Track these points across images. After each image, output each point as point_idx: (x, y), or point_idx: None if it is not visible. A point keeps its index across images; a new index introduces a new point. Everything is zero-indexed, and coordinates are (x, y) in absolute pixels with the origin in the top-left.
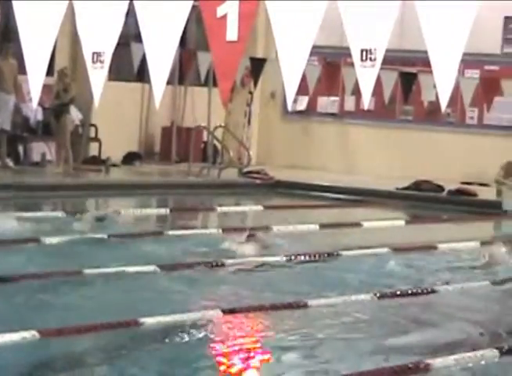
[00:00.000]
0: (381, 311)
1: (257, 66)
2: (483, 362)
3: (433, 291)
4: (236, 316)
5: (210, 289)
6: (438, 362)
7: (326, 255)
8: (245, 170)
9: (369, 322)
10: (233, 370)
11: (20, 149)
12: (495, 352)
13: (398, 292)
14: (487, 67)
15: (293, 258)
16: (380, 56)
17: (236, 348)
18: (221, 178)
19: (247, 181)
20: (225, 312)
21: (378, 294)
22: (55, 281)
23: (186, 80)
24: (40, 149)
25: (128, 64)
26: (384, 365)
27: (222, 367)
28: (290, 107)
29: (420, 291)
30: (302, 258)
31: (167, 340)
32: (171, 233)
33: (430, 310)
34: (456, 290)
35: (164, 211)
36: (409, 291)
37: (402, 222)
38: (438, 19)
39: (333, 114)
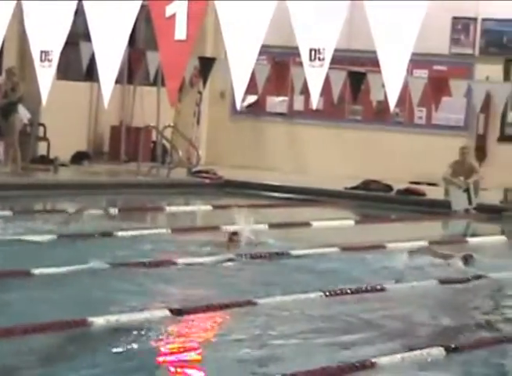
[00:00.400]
0: (330, 309)
1: (206, 65)
2: (429, 360)
3: (381, 290)
4: (185, 315)
5: (159, 289)
6: (384, 360)
7: (275, 254)
8: (194, 170)
9: (318, 320)
10: (181, 369)
11: None
12: (442, 350)
13: (347, 291)
14: (435, 67)
15: (242, 257)
16: (328, 56)
17: (185, 347)
18: (170, 177)
19: (196, 181)
20: (173, 311)
21: (327, 293)
22: (3, 281)
23: (135, 79)
24: None
25: (76, 63)
26: (331, 363)
27: (170, 366)
28: (238, 107)
29: (368, 289)
30: (251, 257)
31: (115, 339)
32: (120, 233)
33: (378, 308)
34: (405, 288)
35: (112, 210)
36: (358, 290)
37: (351, 222)
38: (387, 19)
39: (282, 114)
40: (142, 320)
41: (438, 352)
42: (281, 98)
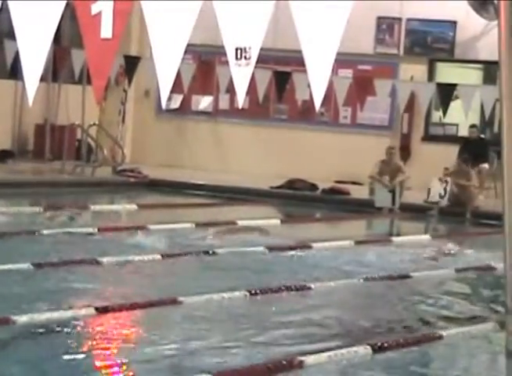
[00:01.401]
0: (254, 308)
1: (131, 64)
2: (356, 359)
3: (308, 288)
4: (110, 313)
5: (84, 287)
6: (311, 358)
7: (201, 253)
8: (119, 168)
9: (243, 319)
10: (105, 367)
11: None
12: (368, 348)
13: (273, 288)
14: (360, 67)
15: (168, 256)
16: (254, 55)
17: (109, 344)
18: (95, 176)
19: (121, 179)
20: (98, 310)
21: (252, 292)
22: None
23: (60, 77)
24: None
25: (0, 61)
26: (258, 362)
27: (95, 364)
28: (164, 105)
29: (293, 287)
30: (177, 256)
31: (39, 338)
32: (44, 231)
33: (303, 307)
34: (329, 287)
35: (37, 209)
36: (284, 288)
37: (277, 221)
38: (312, 18)
39: (207, 113)
40: (67, 318)
41: (364, 350)
42: (206, 97)
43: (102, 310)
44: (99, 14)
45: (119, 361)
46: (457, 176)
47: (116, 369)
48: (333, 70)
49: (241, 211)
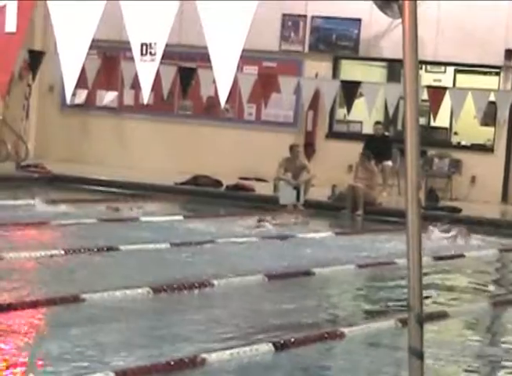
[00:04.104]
0: (158, 305)
1: (35, 58)
2: (258, 356)
3: (211, 284)
4: (12, 311)
5: None
6: (213, 356)
7: (105, 249)
8: (23, 164)
9: (146, 315)
10: (11, 367)
11: None
12: (271, 346)
13: (176, 285)
14: (265, 64)
15: (71, 252)
16: (160, 51)
17: (12, 342)
18: None
19: (25, 175)
20: (1, 306)
21: (156, 288)
22: None
23: None
24: None
25: None
26: (159, 359)
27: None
28: (68, 101)
29: (196, 284)
30: (81, 252)
31: None
32: None
33: (206, 303)
34: (232, 283)
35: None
36: (186, 284)
37: (180, 217)
38: (218, 14)
39: (111, 108)
40: None
41: (266, 348)
42: (110, 93)
43: (6, 307)
44: (3, 8)
45: (21, 359)
46: (360, 173)
47: (17, 369)
48: (238, 66)
49: (144, 207)
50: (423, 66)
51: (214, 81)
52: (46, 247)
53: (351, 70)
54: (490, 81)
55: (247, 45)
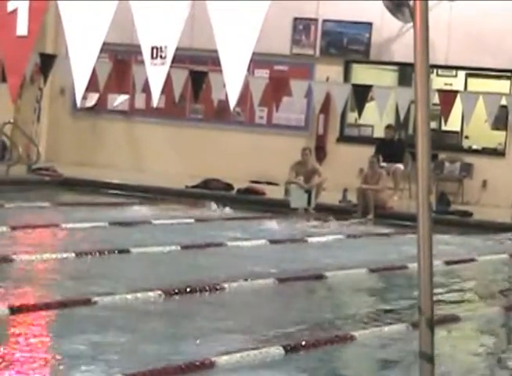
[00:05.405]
0: (169, 307)
1: (46, 62)
2: (268, 359)
3: (222, 288)
4: (23, 313)
5: None
6: (223, 359)
7: (116, 252)
8: (34, 167)
9: (157, 318)
10: (18, 368)
11: None
12: (281, 349)
13: (188, 288)
14: (276, 67)
15: (82, 254)
16: (170, 54)
17: (22, 346)
18: (10, 174)
19: (36, 178)
20: (12, 309)
21: (168, 291)
22: None
23: None
24: None
25: None
26: (170, 362)
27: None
28: (79, 104)
29: (207, 287)
30: (92, 254)
31: None
32: None
33: (217, 306)
34: (243, 286)
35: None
36: (197, 288)
37: (191, 221)
38: (228, 18)
39: (122, 112)
40: None
41: (276, 351)
42: (122, 96)
43: (16, 310)
44: (14, 11)
45: (30, 360)
46: (368, 176)
47: (29, 370)
48: (249, 70)
49: (156, 211)
50: (435, 70)
51: (225, 85)
52: (57, 249)
53: (362, 74)
54: (501, 85)
55: (259, 49)
